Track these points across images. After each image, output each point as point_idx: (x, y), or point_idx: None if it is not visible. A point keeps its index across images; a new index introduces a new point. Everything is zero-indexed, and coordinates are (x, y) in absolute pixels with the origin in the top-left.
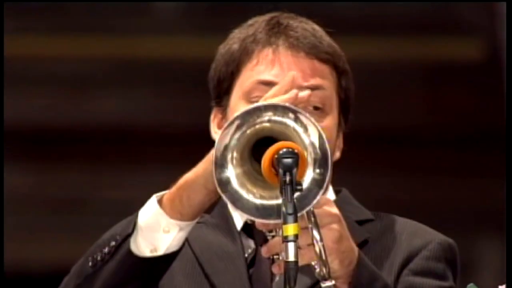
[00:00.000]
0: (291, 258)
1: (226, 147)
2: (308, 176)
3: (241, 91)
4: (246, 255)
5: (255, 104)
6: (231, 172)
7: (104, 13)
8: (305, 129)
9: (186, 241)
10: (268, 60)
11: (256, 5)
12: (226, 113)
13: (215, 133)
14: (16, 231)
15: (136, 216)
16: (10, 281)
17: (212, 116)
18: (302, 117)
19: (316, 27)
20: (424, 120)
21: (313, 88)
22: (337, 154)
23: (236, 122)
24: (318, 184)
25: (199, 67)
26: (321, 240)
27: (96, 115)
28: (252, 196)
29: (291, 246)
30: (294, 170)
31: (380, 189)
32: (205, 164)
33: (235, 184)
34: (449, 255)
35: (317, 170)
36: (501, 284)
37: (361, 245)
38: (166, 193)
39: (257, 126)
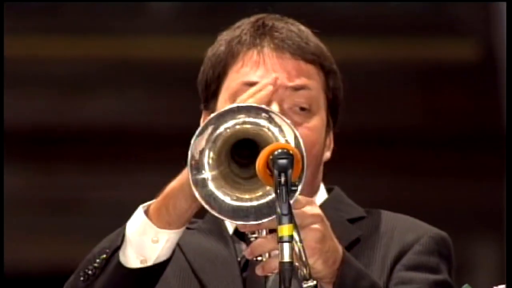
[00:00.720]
0: (286, 258)
1: (202, 151)
2: None
3: (228, 93)
4: (239, 259)
5: (228, 106)
6: (208, 175)
7: (102, 14)
8: (280, 129)
9: (179, 247)
10: (253, 62)
11: (250, 5)
12: None
13: None
14: (15, 231)
15: (124, 228)
16: (10, 281)
17: (202, 120)
18: (276, 118)
19: (303, 28)
20: (420, 121)
21: (298, 88)
22: (327, 154)
23: (211, 125)
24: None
25: (194, 68)
26: (301, 240)
27: (94, 115)
28: (228, 198)
29: (286, 246)
30: (289, 171)
31: (378, 189)
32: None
33: (211, 186)
34: (442, 248)
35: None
36: (496, 285)
37: (353, 243)
38: (152, 203)
39: (233, 128)
